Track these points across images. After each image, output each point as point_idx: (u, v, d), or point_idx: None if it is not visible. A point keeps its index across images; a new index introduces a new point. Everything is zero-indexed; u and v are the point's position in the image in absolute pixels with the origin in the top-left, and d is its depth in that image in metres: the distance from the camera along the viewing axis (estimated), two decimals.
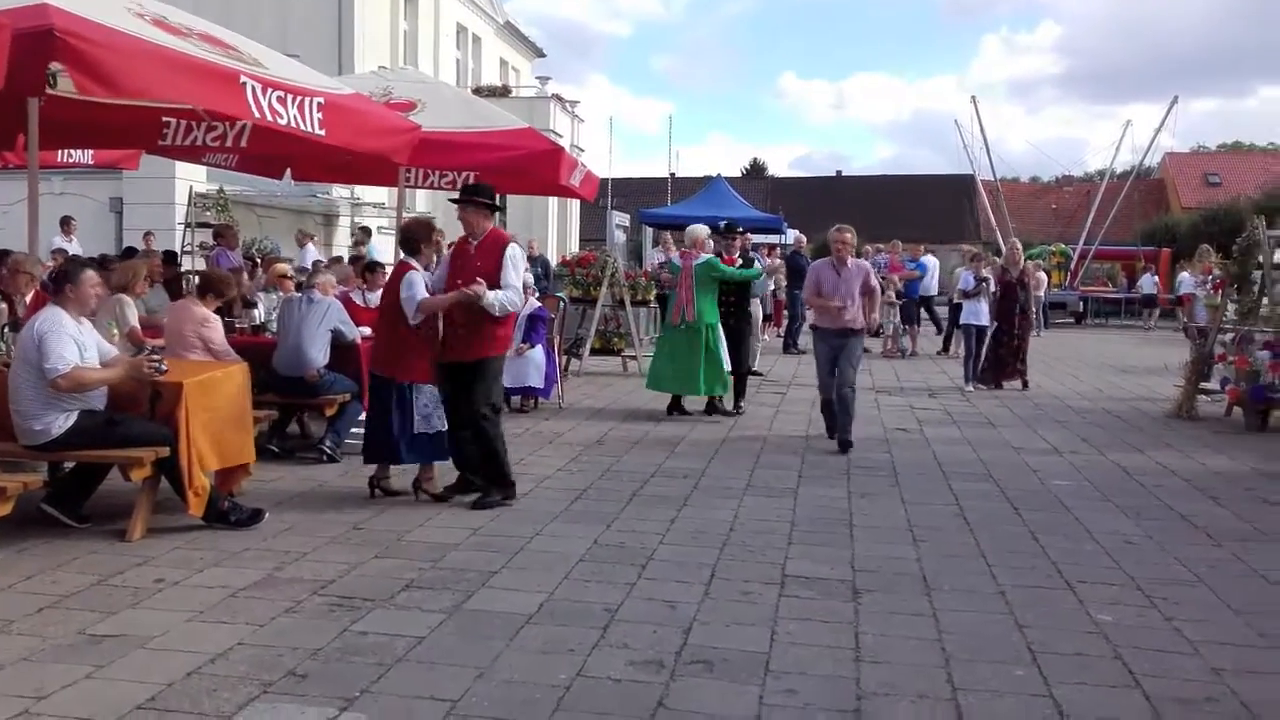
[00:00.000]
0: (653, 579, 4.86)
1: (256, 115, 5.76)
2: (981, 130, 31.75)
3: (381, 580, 4.74)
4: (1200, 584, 4.96)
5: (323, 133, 6.35)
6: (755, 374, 12.18)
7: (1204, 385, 10.65)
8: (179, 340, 6.73)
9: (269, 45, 7.06)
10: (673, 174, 40.67)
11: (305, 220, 21.22)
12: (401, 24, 26.12)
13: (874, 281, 8.63)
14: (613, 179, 28.94)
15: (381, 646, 3.94)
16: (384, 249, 17.32)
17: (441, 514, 6.01)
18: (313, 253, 16.74)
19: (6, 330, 6.42)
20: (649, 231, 25.04)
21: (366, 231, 18.98)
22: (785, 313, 18.76)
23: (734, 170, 66.32)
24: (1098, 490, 7.02)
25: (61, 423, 5.19)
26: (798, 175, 67.67)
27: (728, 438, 8.83)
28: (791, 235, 21.55)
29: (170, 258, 12.43)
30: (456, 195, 6.52)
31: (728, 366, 9.75)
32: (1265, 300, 10.50)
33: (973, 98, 33.01)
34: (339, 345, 7.55)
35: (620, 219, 25.67)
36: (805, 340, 14.62)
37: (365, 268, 9.73)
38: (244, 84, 5.66)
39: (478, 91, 25.53)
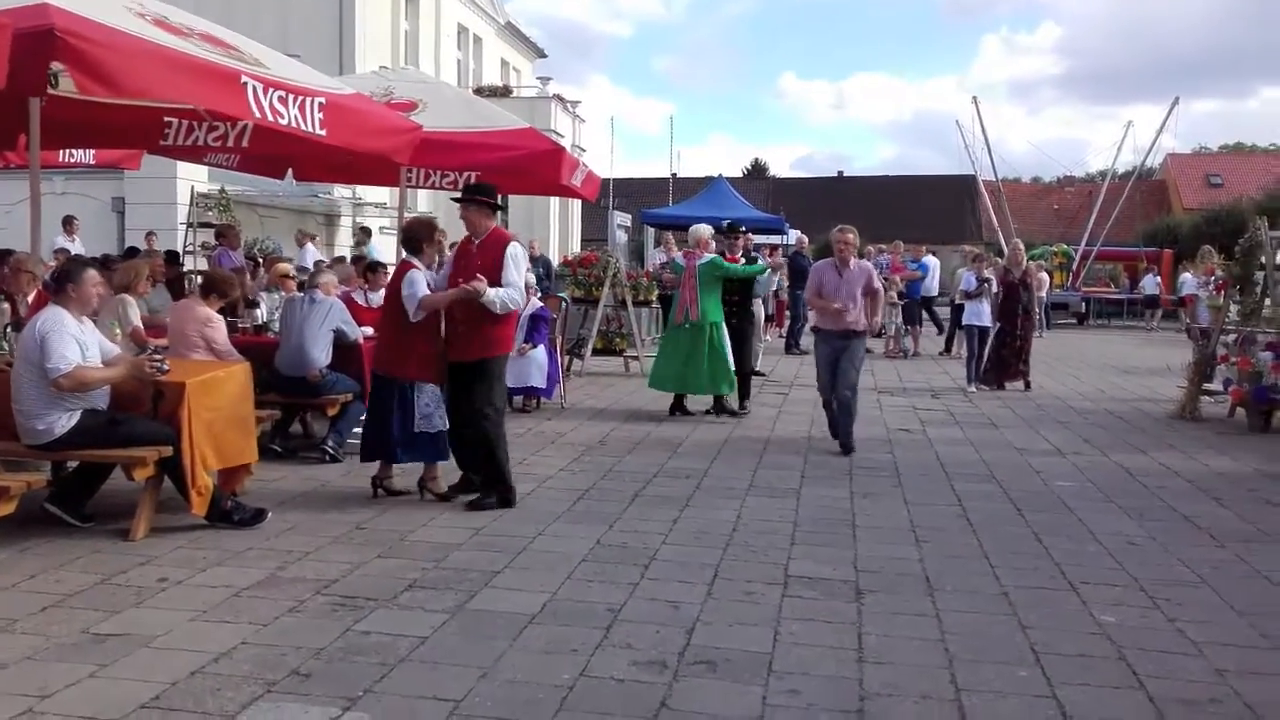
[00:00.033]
0: (655, 579, 4.85)
1: (257, 115, 5.76)
2: (983, 130, 31.83)
3: (384, 580, 4.74)
4: (1203, 585, 4.95)
5: (324, 133, 6.35)
6: (758, 374, 12.17)
7: (1207, 386, 10.64)
8: (182, 340, 6.74)
9: (270, 45, 7.06)
10: (674, 174, 40.70)
11: (307, 220, 21.22)
12: (402, 24, 26.12)
13: (877, 283, 8.51)
14: (614, 179, 28.94)
15: (384, 646, 3.94)
16: (385, 249, 17.33)
17: (444, 514, 6.01)
18: (312, 252, 16.74)
19: (9, 330, 6.42)
20: (650, 232, 25.03)
21: (366, 232, 18.99)
22: (787, 313, 18.76)
23: (735, 170, 66.42)
24: (1100, 491, 7.01)
25: (64, 422, 5.19)
26: (799, 176, 67.76)
27: (730, 438, 8.83)
28: (793, 236, 21.58)
29: (172, 257, 12.45)
30: (459, 195, 6.52)
31: (732, 365, 9.74)
32: (1268, 301, 10.49)
33: (974, 98, 33.10)
34: (341, 345, 7.55)
35: (622, 219, 25.64)
36: (807, 341, 14.61)
37: (367, 267, 9.74)
38: (245, 84, 5.67)
39: (479, 92, 25.53)
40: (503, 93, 28.33)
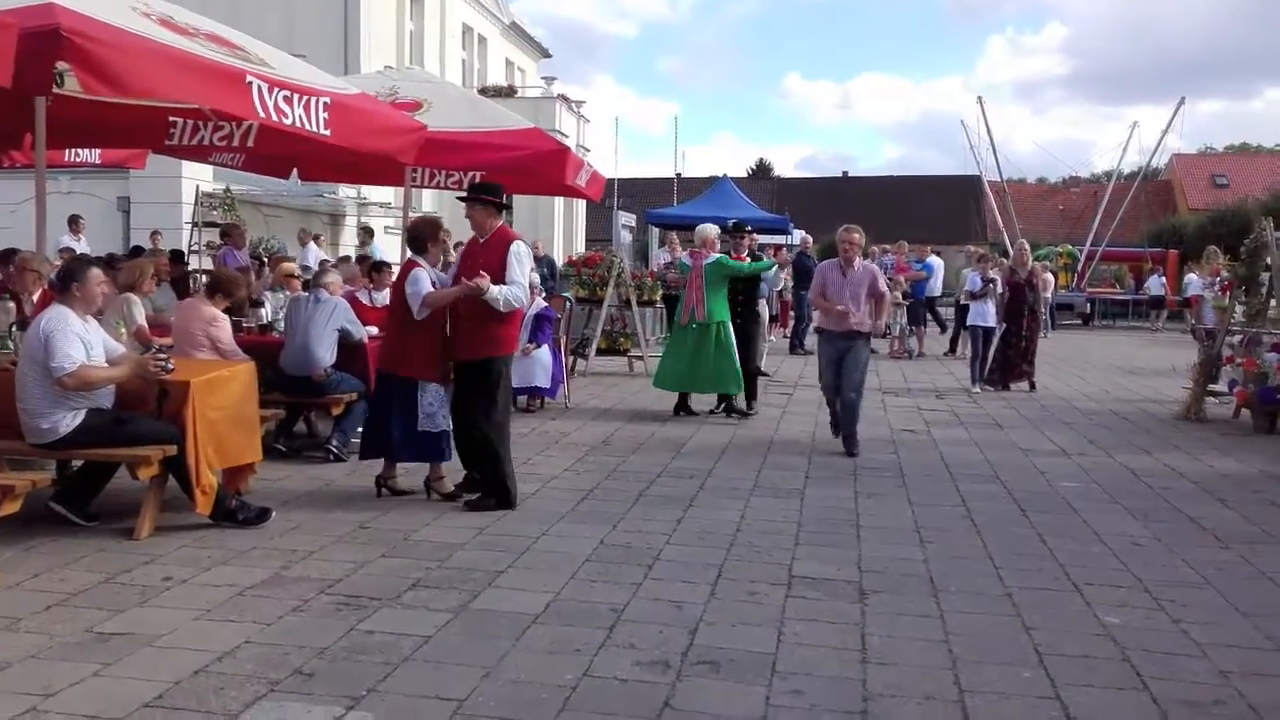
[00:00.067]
0: (659, 579, 4.85)
1: (262, 115, 5.77)
2: (988, 131, 31.73)
3: (388, 579, 4.74)
4: (1208, 586, 4.94)
5: (328, 133, 6.37)
6: (762, 374, 12.16)
7: (1212, 387, 10.62)
8: (187, 339, 6.75)
9: (275, 45, 7.08)
10: (678, 174, 40.64)
11: (311, 220, 21.24)
12: (407, 24, 26.13)
13: (882, 286, 8.39)
14: (619, 179, 28.94)
15: (388, 645, 3.94)
16: (390, 249, 17.34)
17: (448, 513, 6.01)
18: (314, 252, 16.77)
19: (14, 329, 6.44)
20: (655, 232, 25.07)
21: (369, 232, 19.02)
22: (791, 314, 18.75)
23: (740, 171, 66.36)
24: (1105, 492, 7.00)
25: (69, 421, 5.20)
26: (804, 176, 67.57)
27: (734, 438, 8.82)
28: (798, 236, 21.55)
29: (177, 256, 12.49)
30: (465, 193, 6.52)
31: (739, 365, 9.71)
32: (1273, 302, 10.47)
33: (979, 98, 32.95)
34: (346, 344, 7.56)
35: (626, 219, 25.68)
36: (811, 341, 14.60)
37: (372, 267, 9.74)
38: (250, 84, 5.68)
39: (483, 92, 25.52)
40: (507, 93, 28.32)
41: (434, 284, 6.15)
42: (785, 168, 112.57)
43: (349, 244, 21.07)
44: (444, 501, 6.25)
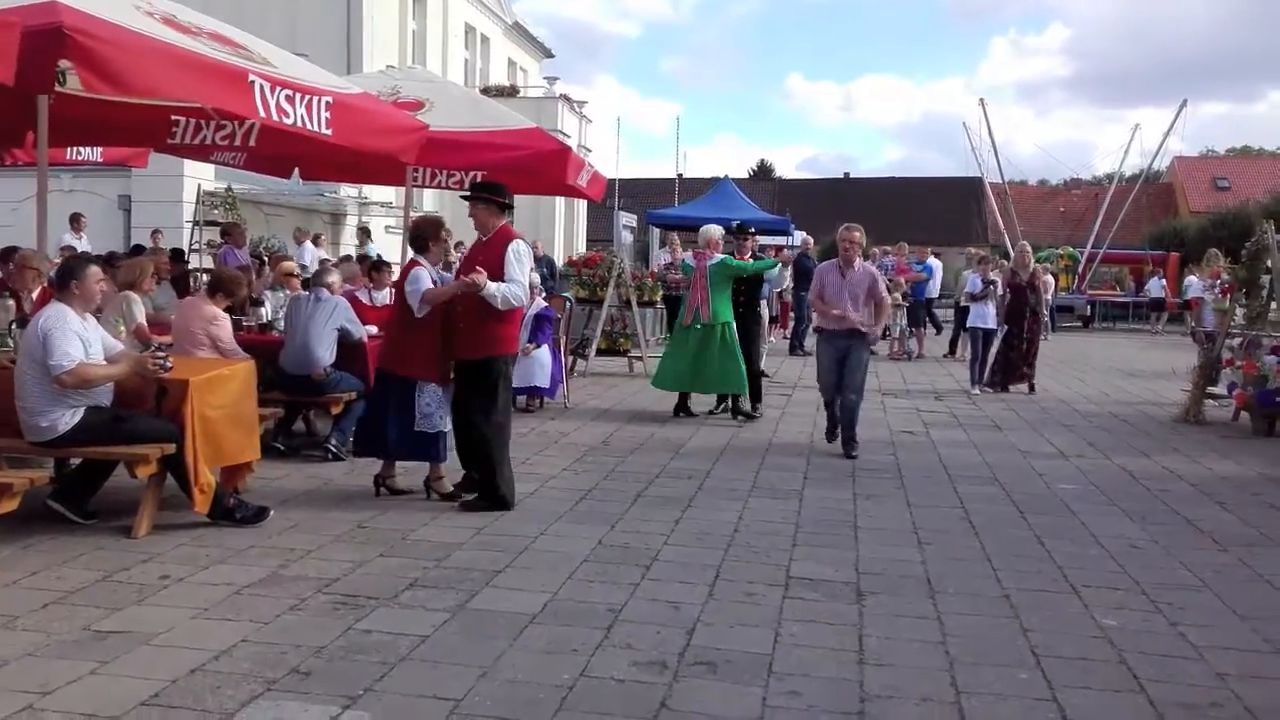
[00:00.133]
0: (657, 580, 4.86)
1: (264, 114, 5.78)
2: (989, 133, 31.69)
3: (386, 579, 4.75)
4: (1206, 589, 4.94)
5: (329, 132, 6.37)
6: (762, 375, 12.15)
7: (1211, 390, 10.63)
8: (187, 337, 6.75)
9: (278, 44, 7.09)
10: (680, 175, 40.67)
11: (313, 219, 21.26)
12: (410, 24, 26.15)
13: (881, 290, 8.28)
14: (620, 179, 28.93)
15: (385, 645, 3.94)
16: (391, 248, 17.35)
17: (446, 513, 6.02)
18: (310, 250, 16.78)
19: (14, 327, 6.44)
20: (656, 232, 25.04)
21: (366, 232, 19.04)
22: (791, 314, 18.75)
23: (741, 172, 66.40)
24: (1104, 494, 7.00)
25: (68, 419, 5.20)
26: (805, 177, 67.61)
27: (733, 439, 8.83)
28: (799, 237, 21.55)
29: (178, 255, 12.51)
30: (468, 192, 6.51)
31: (743, 365, 9.69)
32: (1274, 305, 10.46)
33: (980, 100, 32.89)
34: (345, 344, 7.56)
35: (627, 219, 25.65)
36: (811, 343, 14.60)
37: (372, 266, 9.74)
38: (252, 83, 5.69)
39: (485, 91, 25.53)
40: (509, 92, 28.34)
41: (434, 283, 6.16)
42: (787, 169, 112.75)
43: (350, 243, 21.09)
44: (443, 501, 6.25)
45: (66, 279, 5.31)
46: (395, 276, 7.65)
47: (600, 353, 13.12)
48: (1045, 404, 11.69)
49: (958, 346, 16.67)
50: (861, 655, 3.98)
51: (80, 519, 5.46)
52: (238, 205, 17.15)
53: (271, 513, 5.69)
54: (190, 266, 13.28)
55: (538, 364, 9.64)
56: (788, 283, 17.50)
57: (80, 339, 5.15)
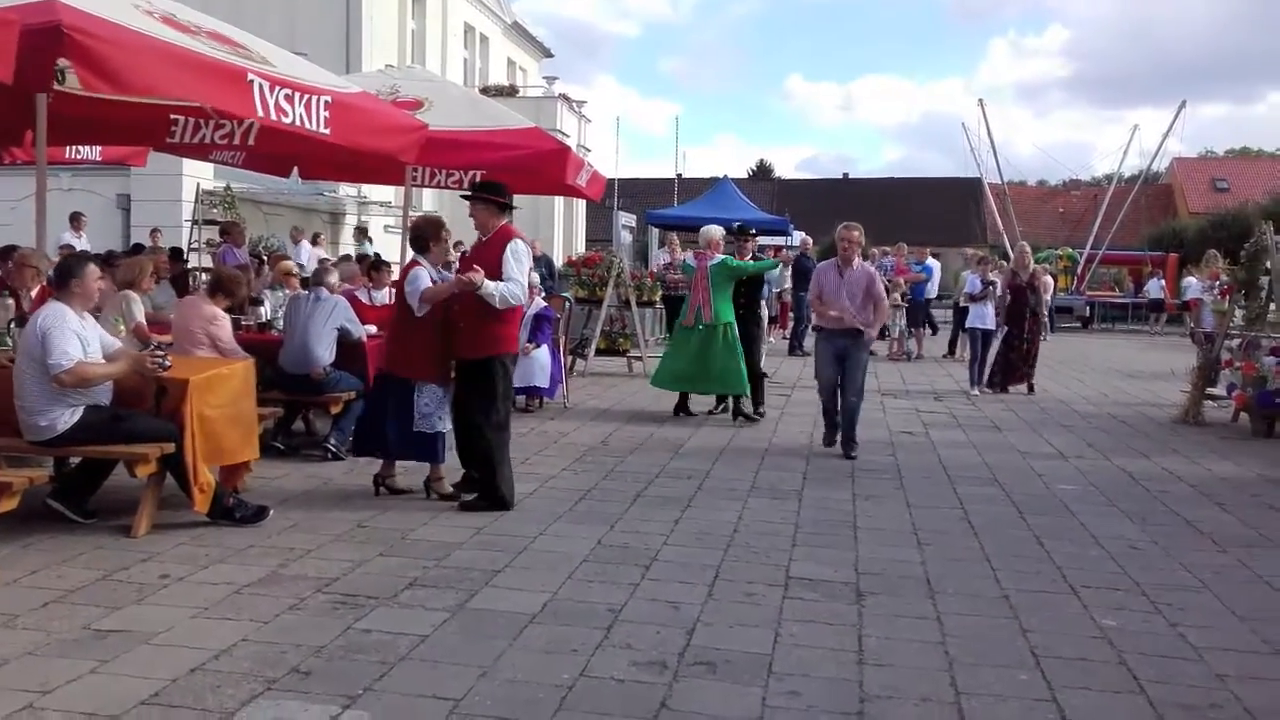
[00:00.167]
0: (656, 580, 4.85)
1: (262, 113, 5.77)
2: (989, 133, 31.74)
3: (385, 578, 4.75)
4: (1205, 590, 4.94)
5: (328, 131, 6.37)
6: (762, 375, 12.14)
7: (1210, 391, 10.63)
8: (186, 337, 6.75)
9: (277, 43, 7.08)
10: (679, 175, 40.66)
11: (312, 218, 21.24)
12: (409, 23, 26.14)
13: (879, 290, 8.25)
14: (619, 179, 28.92)
15: (385, 645, 3.94)
16: (390, 248, 17.35)
17: (446, 513, 6.01)
18: (307, 249, 16.77)
19: (12, 325, 6.44)
20: (655, 232, 25.06)
21: (363, 232, 19.00)
22: (790, 315, 18.75)
23: (740, 172, 66.42)
24: (1103, 495, 7.00)
25: (67, 418, 5.20)
26: (804, 177, 67.64)
27: (733, 439, 8.83)
28: (798, 237, 21.56)
29: (177, 254, 12.51)
30: (468, 192, 6.51)
31: (744, 366, 9.67)
32: (1272, 306, 10.47)
33: (980, 101, 32.90)
34: (345, 343, 7.56)
35: (626, 219, 25.66)
36: (810, 343, 14.61)
37: (371, 265, 9.74)
38: (251, 82, 5.68)
39: (485, 91, 25.53)
40: (509, 92, 28.32)
41: (434, 283, 6.15)
42: (786, 169, 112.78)
43: (349, 243, 21.08)
44: (442, 501, 6.25)
45: (65, 278, 5.31)
46: (394, 276, 7.66)
47: (599, 353, 13.12)
48: (1044, 405, 11.69)
49: (957, 347, 16.68)
50: (861, 655, 3.98)
51: (80, 518, 5.46)
52: (237, 204, 17.14)
53: (271, 512, 5.69)
54: (189, 265, 13.28)
55: (537, 364, 9.64)
56: (787, 283, 17.51)
57: (79, 338, 5.15)
